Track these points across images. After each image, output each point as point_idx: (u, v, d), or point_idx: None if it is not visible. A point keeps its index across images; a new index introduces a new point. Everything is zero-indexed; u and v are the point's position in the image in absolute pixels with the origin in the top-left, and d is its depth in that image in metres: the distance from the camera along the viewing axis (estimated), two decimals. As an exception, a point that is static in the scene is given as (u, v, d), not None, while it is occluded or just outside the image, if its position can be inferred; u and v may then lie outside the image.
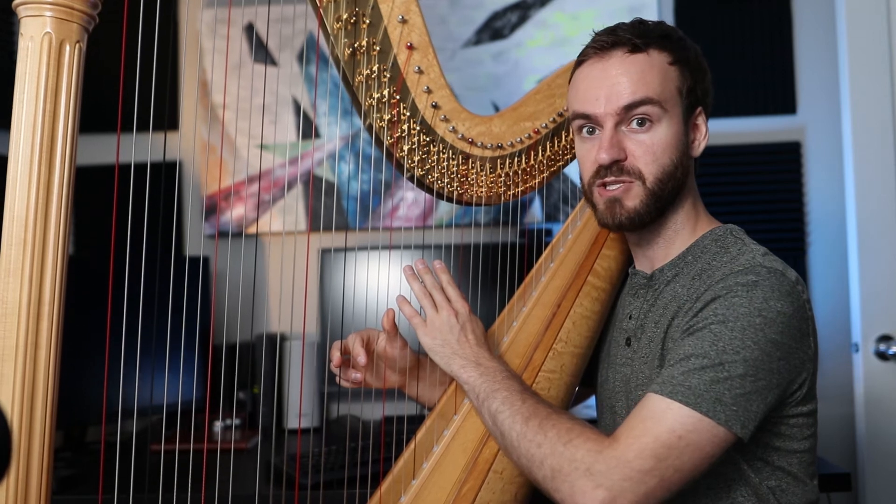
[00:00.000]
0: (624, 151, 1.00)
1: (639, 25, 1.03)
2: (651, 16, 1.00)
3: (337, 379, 1.18)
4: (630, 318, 1.09)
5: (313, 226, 2.16)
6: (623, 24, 1.04)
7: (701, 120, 1.05)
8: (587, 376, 1.15)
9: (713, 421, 0.85)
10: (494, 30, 2.21)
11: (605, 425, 1.13)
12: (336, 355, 1.14)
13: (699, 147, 1.05)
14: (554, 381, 1.07)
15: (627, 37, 1.00)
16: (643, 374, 1.02)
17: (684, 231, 1.05)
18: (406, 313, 1.09)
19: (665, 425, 0.85)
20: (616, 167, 1.00)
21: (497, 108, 2.18)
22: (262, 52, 2.20)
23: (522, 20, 2.21)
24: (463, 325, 1.05)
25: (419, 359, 1.21)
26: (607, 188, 1.02)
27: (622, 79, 0.99)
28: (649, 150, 0.99)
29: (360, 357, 1.12)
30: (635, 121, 1.00)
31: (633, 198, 1.01)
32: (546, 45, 2.19)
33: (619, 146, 1.00)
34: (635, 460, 0.84)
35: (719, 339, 0.87)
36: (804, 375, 0.92)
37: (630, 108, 0.99)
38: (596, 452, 0.85)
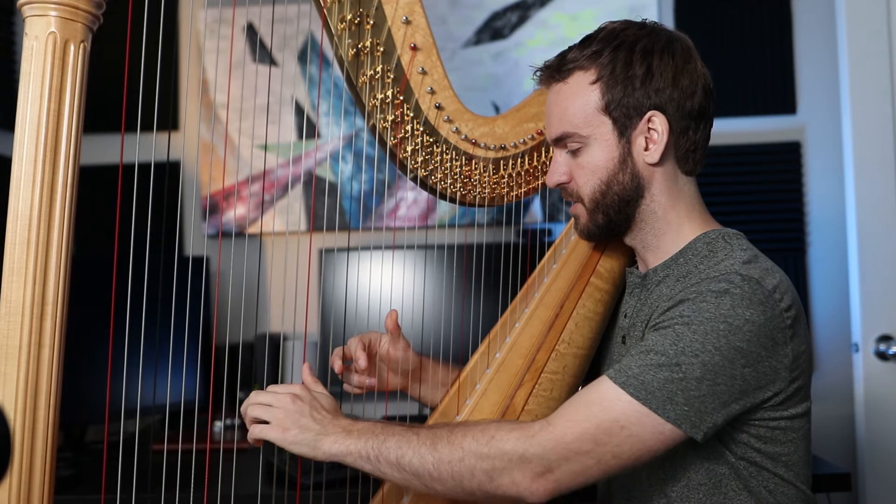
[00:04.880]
0: (567, 175, 1.06)
1: (580, 44, 1.04)
2: (651, 16, 1.01)
3: (345, 386, 1.19)
4: (625, 316, 1.10)
5: (313, 226, 2.16)
6: (573, 44, 1.05)
7: (656, 123, 0.99)
8: (592, 374, 1.15)
9: (661, 418, 0.87)
10: (494, 30, 2.21)
11: None
12: (338, 363, 1.15)
13: (656, 152, 1.00)
14: (556, 382, 1.07)
15: (554, 67, 1.04)
16: None
17: (668, 234, 1.05)
18: (255, 434, 0.98)
19: (610, 415, 0.88)
20: (563, 190, 1.08)
21: (497, 108, 2.18)
22: (262, 52, 2.20)
23: (522, 20, 2.21)
24: (311, 403, 0.97)
25: (422, 360, 1.21)
26: (569, 206, 1.10)
27: (550, 111, 1.06)
28: (582, 173, 1.04)
29: (361, 361, 1.12)
30: (566, 149, 1.05)
31: (581, 216, 1.08)
32: (546, 45, 2.19)
33: (561, 171, 1.06)
34: (573, 442, 0.87)
35: (680, 339, 0.89)
36: (779, 384, 0.91)
37: (556, 141, 1.06)
38: (527, 438, 0.88)
